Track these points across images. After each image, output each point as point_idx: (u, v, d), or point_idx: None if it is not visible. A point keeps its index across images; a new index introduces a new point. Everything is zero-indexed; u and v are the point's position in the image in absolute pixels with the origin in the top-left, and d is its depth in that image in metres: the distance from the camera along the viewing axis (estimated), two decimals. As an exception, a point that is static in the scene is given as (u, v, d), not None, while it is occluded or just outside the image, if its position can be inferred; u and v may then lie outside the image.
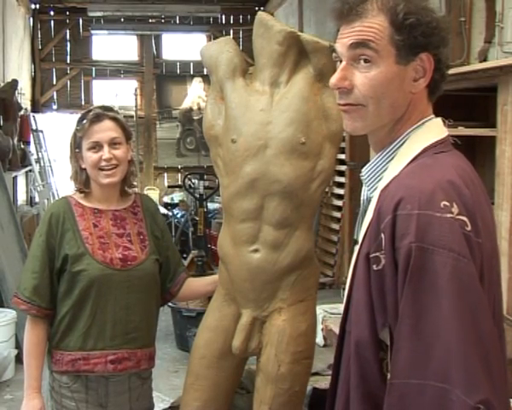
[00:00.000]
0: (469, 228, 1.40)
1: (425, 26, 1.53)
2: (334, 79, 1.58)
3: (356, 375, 1.49)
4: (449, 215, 1.38)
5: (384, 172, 1.59)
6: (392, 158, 1.59)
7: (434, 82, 1.60)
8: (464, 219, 1.40)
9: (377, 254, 1.44)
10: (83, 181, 2.74)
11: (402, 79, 1.56)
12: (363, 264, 1.49)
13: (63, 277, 2.66)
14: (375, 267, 1.45)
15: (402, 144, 1.58)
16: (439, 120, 1.66)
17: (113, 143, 2.69)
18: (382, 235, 1.43)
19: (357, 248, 1.58)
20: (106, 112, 2.73)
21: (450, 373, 1.31)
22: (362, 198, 1.68)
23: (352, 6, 1.56)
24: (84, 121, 2.71)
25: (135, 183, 2.89)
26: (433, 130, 1.60)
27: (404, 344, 1.38)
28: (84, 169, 2.72)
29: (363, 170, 1.68)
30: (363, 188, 1.68)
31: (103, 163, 2.66)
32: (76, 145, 2.73)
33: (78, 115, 2.81)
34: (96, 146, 2.67)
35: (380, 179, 1.60)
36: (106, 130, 2.70)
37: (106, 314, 2.65)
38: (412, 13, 1.52)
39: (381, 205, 1.47)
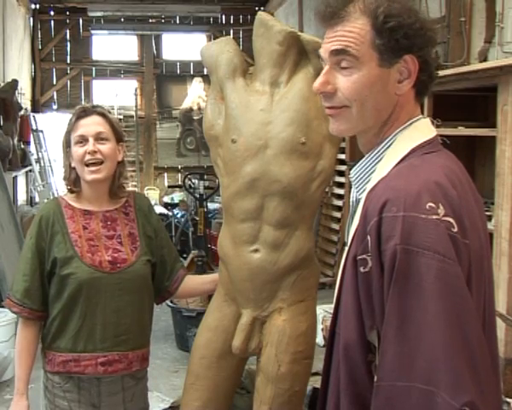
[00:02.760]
0: (456, 229, 1.39)
1: (407, 28, 1.52)
2: (316, 84, 1.61)
3: (345, 377, 1.49)
4: (434, 217, 1.38)
5: (372, 174, 1.59)
6: (381, 159, 1.58)
7: (421, 83, 1.58)
8: (450, 220, 1.39)
9: (364, 256, 1.44)
10: (72, 180, 2.71)
11: (385, 81, 1.56)
12: (351, 266, 1.49)
13: (53, 280, 2.65)
14: (362, 269, 1.44)
15: (390, 145, 1.58)
16: (427, 120, 1.65)
17: (99, 139, 2.65)
18: (368, 237, 1.43)
19: (346, 250, 1.58)
20: (94, 108, 2.72)
21: (436, 375, 1.31)
22: (351, 200, 1.68)
23: (334, 10, 1.56)
24: (72, 117, 2.70)
25: (126, 186, 2.84)
26: (421, 130, 1.59)
27: (389, 346, 1.37)
28: (74, 168, 2.69)
29: (351, 171, 1.67)
30: (352, 190, 1.68)
31: (88, 157, 2.62)
32: (67, 143, 2.71)
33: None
34: (83, 140, 2.64)
35: (368, 181, 1.59)
36: (92, 124, 2.66)
37: (96, 317, 2.63)
38: (393, 15, 1.52)
39: (367, 207, 1.47)
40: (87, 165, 2.63)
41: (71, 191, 2.76)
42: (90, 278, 2.60)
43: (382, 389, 1.38)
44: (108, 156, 2.66)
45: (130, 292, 2.68)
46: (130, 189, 2.89)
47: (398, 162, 1.52)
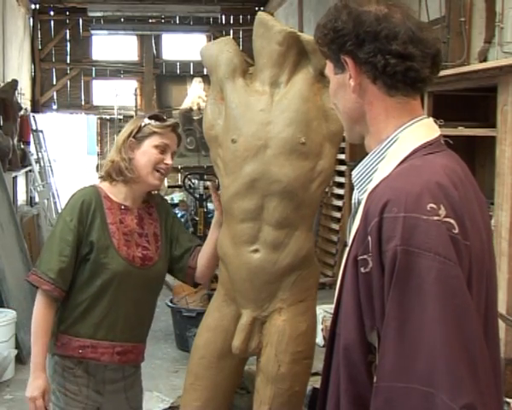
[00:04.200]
0: (457, 230, 1.38)
1: (332, 33, 1.60)
2: None
3: (345, 378, 1.49)
4: (435, 218, 1.37)
5: (374, 174, 1.58)
6: (383, 158, 1.58)
7: (383, 78, 1.58)
8: (451, 221, 1.38)
9: (365, 256, 1.43)
10: (117, 169, 2.77)
11: (343, 85, 1.63)
12: (351, 266, 1.48)
13: (86, 265, 2.70)
14: (362, 270, 1.44)
15: (391, 145, 1.58)
16: (430, 120, 1.64)
17: (172, 156, 2.82)
18: (369, 238, 1.42)
19: (347, 250, 1.57)
20: (177, 125, 2.88)
21: (435, 377, 1.31)
22: (353, 201, 1.68)
23: None
24: (165, 123, 2.80)
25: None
26: (424, 130, 1.59)
27: (389, 347, 1.37)
28: (129, 160, 2.76)
29: (353, 172, 1.67)
30: (355, 190, 1.68)
31: (163, 166, 2.78)
32: (138, 135, 2.78)
33: (149, 114, 2.89)
34: (165, 149, 2.78)
35: (370, 181, 1.59)
36: (174, 141, 2.84)
37: (120, 308, 2.73)
38: (325, 23, 1.63)
39: (368, 207, 1.46)
40: (158, 170, 2.78)
41: (104, 179, 2.82)
42: (123, 270, 2.70)
43: (382, 389, 1.38)
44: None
45: (151, 289, 2.85)
46: None
47: (400, 162, 1.52)
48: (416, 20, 1.60)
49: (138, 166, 2.76)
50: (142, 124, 2.79)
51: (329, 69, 1.68)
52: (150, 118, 2.81)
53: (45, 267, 2.68)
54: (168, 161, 2.79)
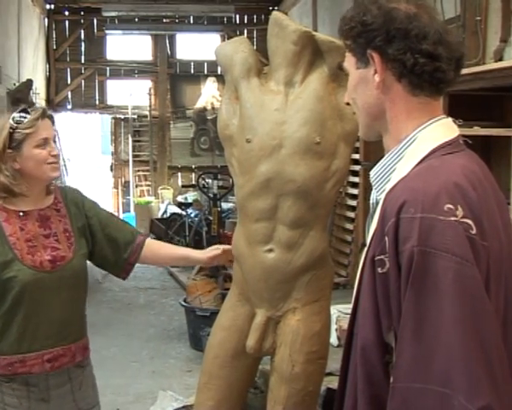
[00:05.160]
0: (474, 231, 1.37)
1: (360, 26, 1.57)
2: None
3: (362, 378, 1.49)
4: (453, 218, 1.36)
5: (392, 174, 1.58)
6: (401, 158, 1.57)
7: (410, 77, 1.57)
8: (469, 222, 1.37)
9: (382, 257, 1.43)
10: (5, 189, 2.62)
11: (365, 80, 1.61)
12: (369, 267, 1.48)
13: None
14: (379, 270, 1.44)
15: (410, 145, 1.57)
16: (449, 120, 1.63)
17: (53, 141, 2.70)
18: (386, 238, 1.42)
19: (365, 251, 1.57)
20: (44, 110, 2.71)
21: (452, 378, 1.30)
22: (371, 201, 1.67)
23: None
24: (32, 117, 2.63)
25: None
26: (442, 130, 1.58)
27: (405, 348, 1.37)
28: (16, 171, 2.62)
29: (371, 172, 1.67)
30: (373, 190, 1.68)
31: (52, 159, 2.64)
32: (12, 144, 2.62)
33: (9, 115, 2.68)
34: (45, 143, 2.63)
35: (388, 181, 1.58)
36: (49, 127, 2.68)
37: (40, 316, 2.62)
38: (352, 17, 1.60)
39: (385, 208, 1.46)
40: (49, 163, 2.64)
41: (3, 197, 2.66)
42: (32, 279, 2.58)
43: (398, 390, 1.37)
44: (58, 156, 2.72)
45: (70, 288, 2.68)
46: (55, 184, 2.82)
47: (419, 163, 1.51)
48: (441, 22, 1.60)
49: (28, 172, 2.63)
50: (11, 131, 2.62)
51: (350, 63, 1.65)
52: (15, 121, 2.63)
53: None
54: (53, 151, 2.64)
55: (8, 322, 2.60)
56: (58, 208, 2.75)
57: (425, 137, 1.56)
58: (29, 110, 2.66)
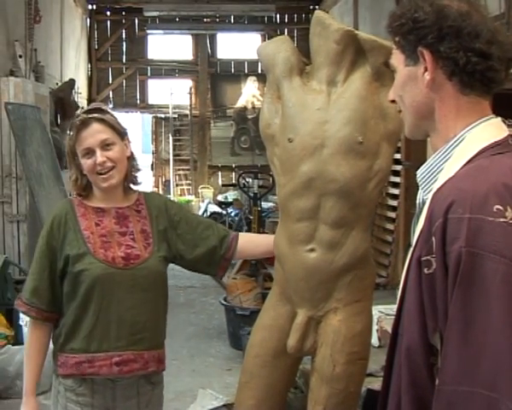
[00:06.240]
0: None
1: (411, 23, 1.55)
2: None
3: (406, 379, 1.47)
4: (502, 220, 1.35)
5: (439, 173, 1.56)
6: (449, 158, 1.56)
7: (461, 75, 1.55)
8: None
9: (428, 257, 1.42)
10: (83, 186, 2.69)
11: (414, 78, 1.59)
12: (415, 267, 1.47)
13: (66, 278, 2.62)
14: (426, 271, 1.42)
15: (458, 144, 1.55)
16: (499, 119, 1.61)
17: (105, 145, 2.61)
18: (433, 238, 1.41)
19: (411, 251, 1.56)
20: (91, 115, 2.65)
21: (500, 382, 1.28)
22: (417, 201, 1.66)
23: None
24: (72, 130, 2.66)
25: (138, 178, 2.82)
26: (491, 130, 1.56)
27: (452, 350, 1.35)
28: (85, 175, 2.67)
29: (418, 172, 1.65)
30: (419, 190, 1.66)
31: (98, 168, 2.60)
32: (73, 154, 2.67)
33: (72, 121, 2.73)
34: (89, 152, 2.61)
35: (435, 181, 1.57)
36: (94, 133, 2.61)
37: (110, 315, 2.59)
38: (402, 14, 1.58)
39: (433, 208, 1.45)
40: (99, 173, 2.62)
41: (79, 195, 2.73)
42: (103, 273, 2.57)
43: (444, 393, 1.36)
44: (118, 160, 2.64)
45: (145, 289, 2.65)
46: (140, 189, 2.84)
47: (467, 163, 1.49)
48: (492, 21, 1.58)
49: (89, 178, 2.67)
50: (67, 143, 2.68)
51: (398, 60, 1.63)
52: (69, 130, 2.68)
53: (24, 289, 2.67)
54: (98, 159, 2.58)
55: (79, 319, 2.61)
56: (139, 209, 2.76)
57: (474, 136, 1.54)
58: (74, 122, 2.65)
